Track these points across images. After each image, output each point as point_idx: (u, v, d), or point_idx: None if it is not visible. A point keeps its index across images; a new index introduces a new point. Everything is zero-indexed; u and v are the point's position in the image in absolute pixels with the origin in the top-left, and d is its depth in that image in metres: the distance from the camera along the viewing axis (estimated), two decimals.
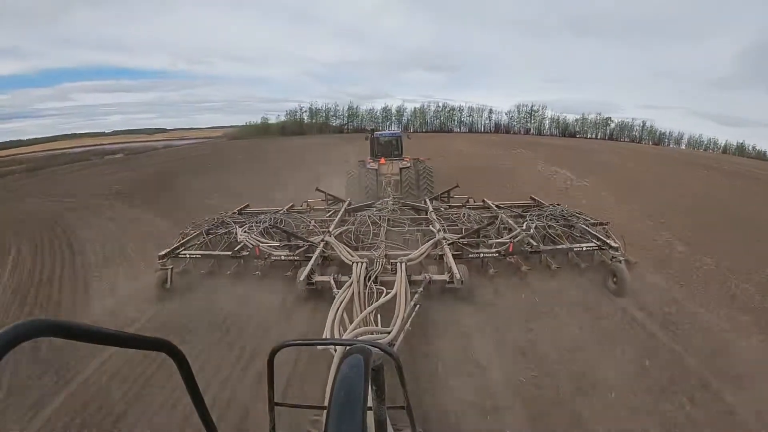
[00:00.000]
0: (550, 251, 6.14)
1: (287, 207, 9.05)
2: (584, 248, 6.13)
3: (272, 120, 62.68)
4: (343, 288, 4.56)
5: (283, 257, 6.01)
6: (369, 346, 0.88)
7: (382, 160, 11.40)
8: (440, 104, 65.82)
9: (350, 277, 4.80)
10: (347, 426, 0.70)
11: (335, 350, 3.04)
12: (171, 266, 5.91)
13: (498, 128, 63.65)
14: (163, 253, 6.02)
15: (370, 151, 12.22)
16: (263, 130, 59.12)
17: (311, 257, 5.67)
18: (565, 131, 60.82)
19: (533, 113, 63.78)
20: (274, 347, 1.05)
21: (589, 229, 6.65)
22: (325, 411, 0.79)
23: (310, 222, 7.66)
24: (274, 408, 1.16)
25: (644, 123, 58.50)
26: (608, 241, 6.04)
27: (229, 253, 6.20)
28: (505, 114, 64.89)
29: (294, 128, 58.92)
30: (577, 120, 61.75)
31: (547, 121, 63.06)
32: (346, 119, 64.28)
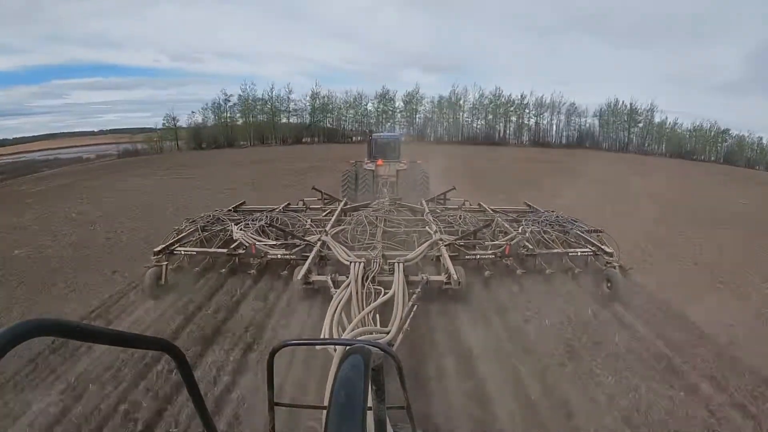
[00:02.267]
0: (546, 255, 6.19)
1: (283, 206, 9.02)
2: (579, 253, 6.20)
3: (181, 122, 42.44)
4: (341, 288, 4.54)
5: (279, 256, 5.97)
6: (369, 346, 0.89)
7: (380, 162, 11.42)
8: (487, 92, 42.39)
9: (347, 277, 4.79)
10: (347, 426, 0.70)
11: (335, 350, 3.02)
12: (165, 262, 5.85)
13: (581, 140, 41.63)
14: (158, 249, 5.96)
15: (367, 153, 12.24)
16: (166, 136, 41.60)
17: (308, 256, 5.63)
18: (681, 151, 40.98)
19: (633, 116, 41.64)
20: (273, 347, 1.05)
21: (584, 235, 6.71)
22: (325, 411, 0.79)
23: (306, 221, 7.62)
24: (274, 408, 1.15)
25: (760, 140, 40.33)
26: (603, 247, 6.11)
27: (225, 250, 6.16)
28: (593, 116, 42.38)
29: (219, 135, 39.03)
30: (689, 133, 41.89)
31: (655, 130, 42.02)
32: (309, 117, 40.47)
